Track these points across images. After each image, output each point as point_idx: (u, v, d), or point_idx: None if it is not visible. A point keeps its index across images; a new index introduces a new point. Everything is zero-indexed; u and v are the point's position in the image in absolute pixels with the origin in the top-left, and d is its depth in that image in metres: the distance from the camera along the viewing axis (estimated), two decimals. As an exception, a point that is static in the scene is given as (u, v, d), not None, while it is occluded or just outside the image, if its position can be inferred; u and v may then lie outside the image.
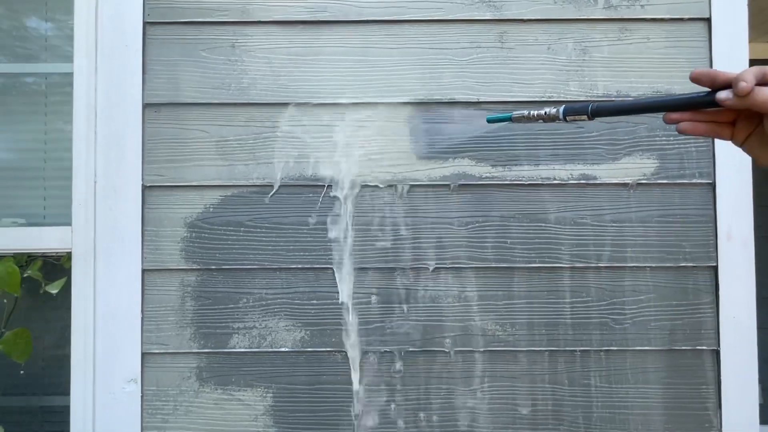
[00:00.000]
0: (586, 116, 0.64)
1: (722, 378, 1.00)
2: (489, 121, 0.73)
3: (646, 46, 1.03)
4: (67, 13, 1.03)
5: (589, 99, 1.03)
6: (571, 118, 0.65)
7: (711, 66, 1.03)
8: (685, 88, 1.02)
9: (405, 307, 1.02)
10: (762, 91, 0.52)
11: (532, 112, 0.69)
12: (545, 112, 0.68)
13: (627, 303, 1.02)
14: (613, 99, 1.03)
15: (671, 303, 1.02)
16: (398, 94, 1.03)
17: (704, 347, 1.01)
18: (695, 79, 0.56)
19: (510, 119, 0.70)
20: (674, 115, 0.57)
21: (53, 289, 1.00)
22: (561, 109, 0.65)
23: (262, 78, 1.03)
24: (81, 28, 1.02)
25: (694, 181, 1.02)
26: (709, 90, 0.56)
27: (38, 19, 1.11)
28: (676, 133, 1.02)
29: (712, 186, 1.02)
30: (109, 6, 1.02)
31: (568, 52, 1.03)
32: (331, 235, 1.02)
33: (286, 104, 1.03)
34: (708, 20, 1.03)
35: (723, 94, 0.53)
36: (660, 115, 0.60)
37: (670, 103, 0.58)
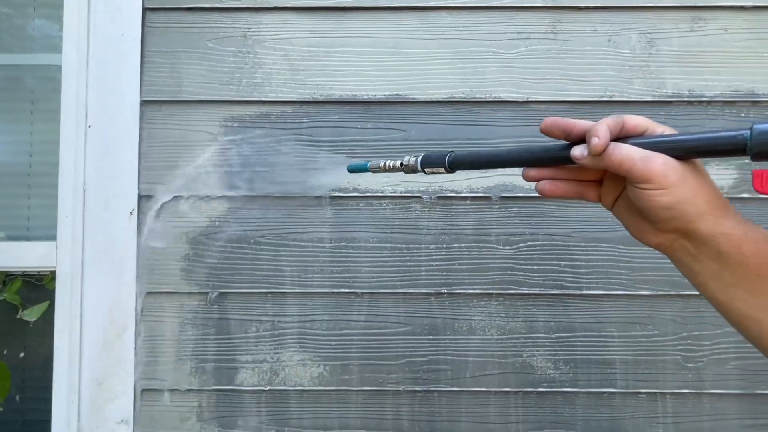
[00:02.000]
0: (443, 168, 0.52)
1: (815, 428, 0.85)
2: (349, 170, 0.61)
3: (723, 39, 0.89)
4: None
5: (701, 98, 0.88)
6: (429, 170, 0.53)
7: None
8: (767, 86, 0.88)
9: (441, 338, 0.87)
10: (618, 149, 0.40)
11: (388, 163, 0.56)
12: (401, 163, 0.55)
13: (702, 338, 0.87)
14: (686, 98, 0.88)
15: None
16: (435, 91, 0.89)
17: (793, 391, 0.86)
18: (546, 131, 0.45)
19: (367, 169, 0.58)
20: (532, 172, 0.47)
21: (31, 316, 0.86)
22: (419, 159, 0.53)
23: (278, 73, 0.90)
24: (71, 14, 0.89)
25: (780, 195, 0.87)
26: (567, 143, 0.44)
27: (24, 2, 0.98)
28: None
29: (802, 201, 0.87)
30: (104, -11, 0.89)
31: (632, 44, 0.89)
32: (352, 253, 0.88)
33: (305, 102, 0.90)
34: (796, 8, 0.88)
35: (577, 151, 0.43)
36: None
37: (526, 156, 0.47)
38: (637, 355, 0.87)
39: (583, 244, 0.87)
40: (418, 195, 0.89)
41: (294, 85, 0.90)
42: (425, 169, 0.54)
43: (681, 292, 0.87)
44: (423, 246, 0.88)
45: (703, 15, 0.89)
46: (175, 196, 0.89)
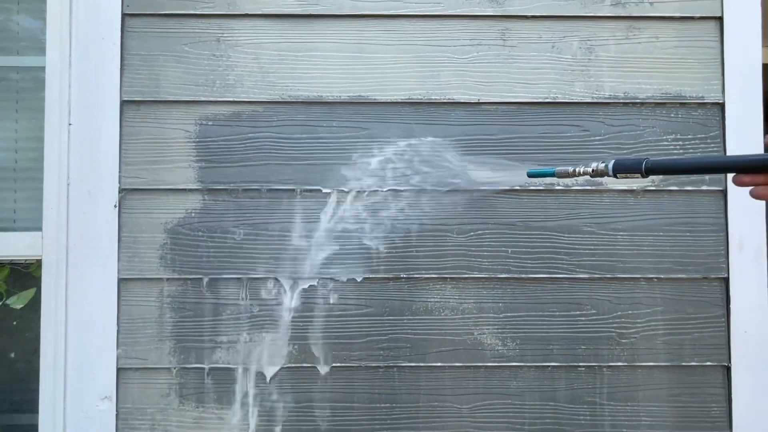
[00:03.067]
0: (639, 174, 0.56)
1: (733, 396, 0.95)
2: (530, 175, 0.67)
3: (654, 46, 0.98)
4: (40, 2, 0.96)
5: (639, 156, 0.97)
6: (622, 175, 0.58)
7: (723, 67, 0.98)
8: (695, 90, 0.98)
9: (400, 319, 0.96)
10: None
11: (577, 169, 0.62)
12: (592, 169, 0.61)
13: (634, 316, 0.96)
14: (621, 100, 0.97)
15: (680, 316, 0.97)
16: (395, 92, 0.97)
17: (714, 363, 0.96)
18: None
19: (553, 174, 0.64)
20: (745, 179, 0.52)
21: (18, 303, 0.93)
22: (610, 165, 0.58)
23: (249, 75, 0.97)
24: (54, 19, 0.95)
25: (704, 188, 0.97)
26: None
27: (8, 8, 1.04)
28: (684, 137, 0.97)
29: (724, 193, 0.97)
30: (85, -5, 0.95)
31: (574, 50, 0.98)
32: (319, 243, 0.96)
33: (275, 102, 0.97)
34: (720, 19, 0.98)
35: None
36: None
37: (735, 163, 0.53)
38: (577, 332, 0.96)
39: (527, 232, 0.96)
40: (379, 188, 0.97)
41: (264, 87, 0.97)
42: (617, 175, 0.58)
43: (616, 276, 0.96)
44: (385, 235, 0.96)
45: (637, 24, 0.98)
46: (153, 189, 0.96)
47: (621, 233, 0.97)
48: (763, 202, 0.97)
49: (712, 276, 0.97)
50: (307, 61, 0.97)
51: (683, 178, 0.97)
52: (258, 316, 0.96)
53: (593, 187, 0.97)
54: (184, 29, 0.97)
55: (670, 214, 0.97)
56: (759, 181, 0.51)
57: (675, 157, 0.54)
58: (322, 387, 0.95)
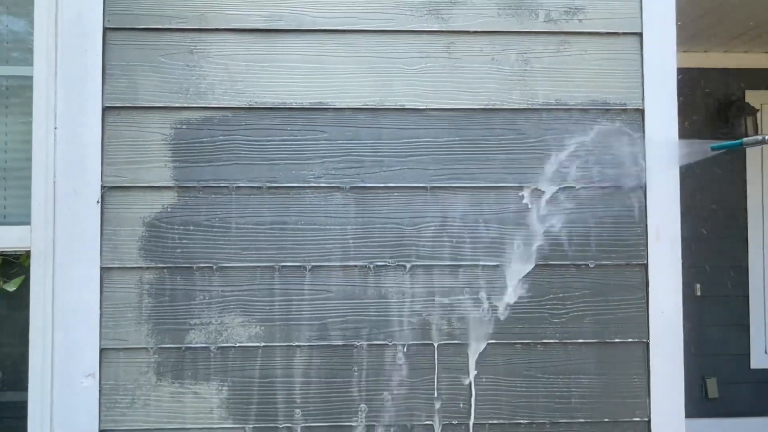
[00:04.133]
0: None
1: (651, 368, 1.08)
2: (713, 149, 0.70)
3: (583, 58, 1.10)
4: (29, 18, 1.06)
5: (565, 107, 1.09)
6: None
7: (643, 78, 1.10)
8: (618, 97, 1.10)
9: (357, 302, 1.07)
10: None
11: (766, 137, 0.66)
12: None
13: (564, 299, 1.08)
14: (553, 107, 1.09)
15: (605, 299, 1.09)
16: (352, 99, 1.08)
17: (635, 339, 1.09)
18: None
19: (741, 145, 0.68)
20: None
21: (11, 287, 1.02)
22: None
23: (220, 83, 1.07)
24: (41, 33, 1.05)
25: (626, 184, 1.09)
26: None
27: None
28: (610, 138, 1.09)
29: (643, 189, 1.09)
30: (70, 11, 1.05)
31: (511, 62, 1.10)
32: (285, 234, 1.07)
33: (243, 108, 1.07)
34: (640, 35, 1.10)
35: None
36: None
37: None
38: (515, 313, 1.08)
39: (469, 224, 1.08)
40: (340, 186, 1.08)
41: (233, 94, 1.07)
42: None
43: (549, 262, 1.08)
44: (343, 227, 1.07)
45: (568, 39, 1.10)
46: (133, 187, 1.06)
47: (557, 224, 1.09)
48: (678, 199, 1.09)
49: (634, 263, 1.09)
50: (273, 71, 1.08)
51: (608, 176, 1.09)
52: (229, 300, 1.06)
53: (521, 185, 1.08)
54: (160, 42, 1.07)
55: (596, 208, 1.09)
56: None
57: None
58: (288, 363, 1.06)
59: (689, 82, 3.03)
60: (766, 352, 3.07)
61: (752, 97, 3.04)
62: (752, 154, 3.09)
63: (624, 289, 1.09)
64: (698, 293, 3.03)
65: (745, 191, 3.10)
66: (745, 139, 0.74)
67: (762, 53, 3.09)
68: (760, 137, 0.71)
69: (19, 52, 1.14)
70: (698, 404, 3.03)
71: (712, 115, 3.07)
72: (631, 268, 1.09)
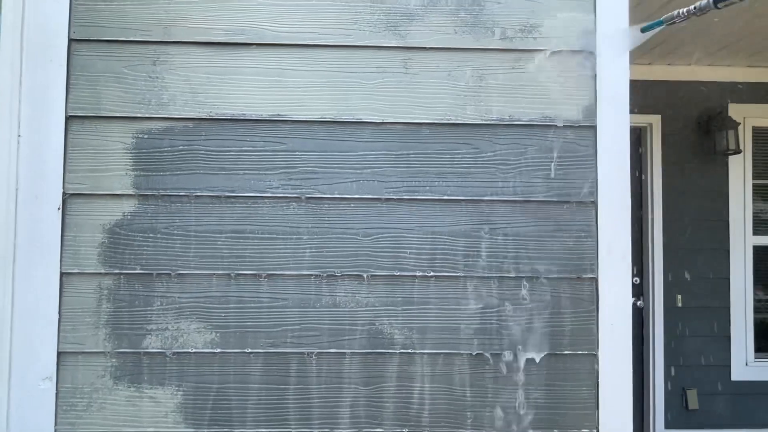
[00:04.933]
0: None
1: (600, 380, 1.10)
2: (643, 30, 0.72)
3: (537, 75, 1.13)
4: (-5, 28, 1.09)
5: (519, 122, 1.12)
6: (723, 3, 0.63)
7: (596, 96, 1.13)
8: (570, 115, 1.12)
9: (312, 310, 1.09)
10: None
11: (681, 11, 0.67)
12: (694, 8, 0.65)
13: (516, 311, 1.11)
14: (507, 122, 1.12)
15: (557, 311, 1.11)
16: (310, 112, 1.11)
17: (585, 352, 1.11)
18: None
19: (662, 23, 0.69)
20: None
21: (-31, 290, 1.05)
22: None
23: (182, 94, 1.10)
24: (7, 43, 1.08)
25: (578, 200, 1.12)
26: None
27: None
28: (561, 155, 1.12)
29: (595, 205, 1.12)
30: (36, 23, 1.08)
31: (467, 78, 1.12)
32: (242, 243, 1.09)
33: (203, 119, 1.10)
34: (593, 54, 1.13)
35: None
36: None
37: None
38: (470, 324, 1.10)
39: (422, 236, 1.10)
40: (297, 196, 1.10)
41: (194, 105, 1.10)
42: (718, 5, 0.61)
43: (503, 275, 1.10)
44: (300, 237, 1.10)
45: (523, 56, 1.13)
46: (93, 194, 1.08)
47: (509, 237, 1.11)
48: (628, 214, 1.12)
49: (585, 276, 1.11)
50: (233, 83, 1.11)
51: (559, 191, 1.11)
52: (185, 306, 1.08)
53: (480, 198, 1.11)
54: (124, 54, 1.10)
55: (548, 223, 1.11)
56: None
57: None
58: (243, 369, 1.08)
59: (672, 95, 3.07)
60: (746, 365, 3.08)
61: (735, 111, 3.07)
62: (734, 166, 3.12)
63: (575, 303, 1.11)
64: (679, 304, 3.05)
65: (727, 202, 3.13)
66: (664, 17, 0.75)
67: (746, 67, 3.12)
68: (675, 12, 0.72)
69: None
70: (678, 415, 3.04)
71: (694, 128, 3.10)
72: (581, 282, 1.11)
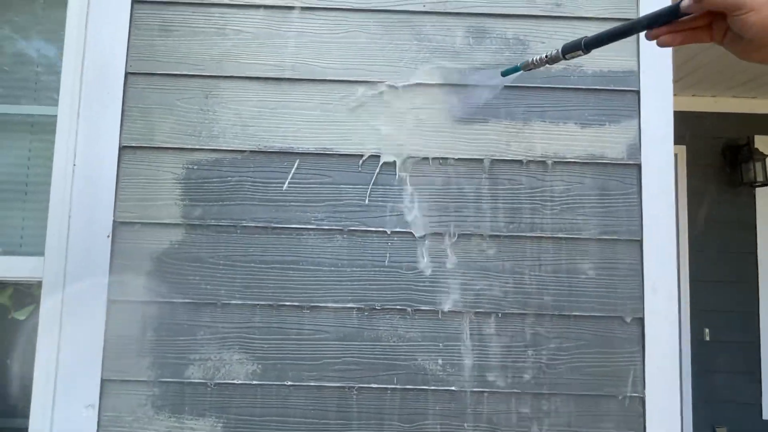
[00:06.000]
0: (581, 51, 0.69)
1: (647, 425, 1.07)
2: (504, 74, 0.79)
3: (582, 113, 1.14)
4: (56, 62, 1.13)
5: (563, 160, 1.13)
6: (570, 55, 0.71)
7: (640, 134, 1.13)
8: (615, 152, 1.13)
9: (353, 344, 1.09)
10: None
11: (534, 58, 0.76)
12: (546, 56, 0.74)
13: (560, 349, 1.09)
14: (551, 159, 1.13)
15: (601, 350, 1.09)
16: (353, 146, 1.13)
17: (631, 394, 1.08)
18: None
19: (519, 69, 0.76)
20: (654, 32, 0.63)
21: (21, 315, 1.06)
22: (559, 49, 0.72)
23: (232, 127, 1.13)
24: (68, 76, 1.12)
25: (623, 238, 1.11)
26: (678, 2, 0.61)
27: (29, 62, 1.21)
28: (605, 192, 1.11)
29: (640, 243, 1.11)
30: (95, 57, 1.12)
31: (512, 115, 1.14)
32: (286, 274, 1.10)
33: (252, 152, 1.12)
34: (637, 92, 1.13)
35: (685, 2, 0.59)
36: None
37: (647, 20, 0.63)
38: (511, 362, 1.09)
39: (466, 271, 1.10)
40: (341, 228, 1.11)
41: (244, 137, 1.12)
42: (566, 56, 0.70)
43: (545, 312, 1.09)
44: (342, 269, 1.10)
45: (565, 95, 1.14)
46: (143, 223, 1.10)
47: (554, 274, 1.10)
48: (674, 251, 1.11)
49: (630, 316, 1.10)
50: (282, 117, 1.13)
51: (604, 228, 1.11)
52: (228, 337, 1.09)
53: (522, 234, 1.11)
54: (177, 87, 1.13)
55: (593, 260, 1.11)
56: (663, 32, 0.63)
57: (604, 30, 0.67)
58: (284, 402, 1.07)
59: (697, 126, 3.06)
60: (778, 403, 2.99)
61: (762, 143, 3.05)
62: (762, 198, 3.08)
63: (620, 343, 1.09)
64: (707, 338, 2.98)
65: (755, 234, 3.08)
66: (521, 63, 0.81)
67: (771, 99, 3.12)
68: (530, 59, 0.78)
69: (46, 92, 1.21)
70: (708, 454, 2.94)
71: (719, 159, 3.08)
72: (626, 321, 1.10)
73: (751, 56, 0.59)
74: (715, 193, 3.06)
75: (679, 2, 0.60)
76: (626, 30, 0.66)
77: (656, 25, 0.62)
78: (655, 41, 0.63)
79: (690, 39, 0.62)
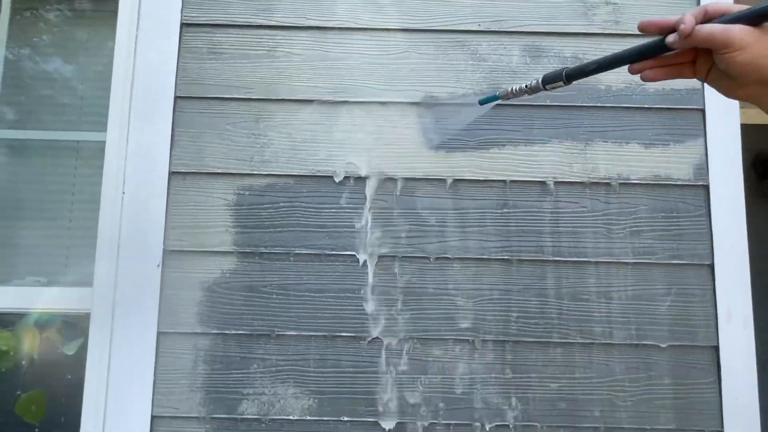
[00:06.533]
0: (562, 82, 0.66)
1: (726, 460, 1.01)
2: (481, 103, 0.77)
3: (647, 132, 1.10)
4: (105, 87, 1.11)
5: (627, 181, 1.08)
6: (550, 86, 0.67)
7: (707, 153, 1.09)
8: (681, 173, 1.08)
9: (412, 377, 1.04)
10: (702, 28, 0.54)
11: (514, 87, 0.72)
12: (526, 86, 0.71)
13: (629, 380, 1.03)
14: (615, 180, 1.08)
15: (674, 382, 1.04)
16: (411, 171, 1.09)
17: (707, 429, 1.02)
18: (643, 29, 0.58)
19: (497, 98, 0.75)
20: (637, 66, 0.61)
21: (70, 350, 1.02)
22: (540, 79, 0.68)
23: (284, 151, 1.10)
24: (117, 102, 1.09)
25: (693, 262, 1.06)
26: (662, 36, 0.58)
27: (75, 91, 1.19)
28: (672, 215, 1.07)
29: (711, 267, 1.06)
30: (144, 81, 1.10)
31: (573, 136, 1.10)
32: (341, 303, 1.05)
33: (305, 177, 1.09)
34: (702, 111, 1.10)
35: (671, 38, 0.56)
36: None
37: (630, 54, 0.60)
38: (583, 393, 1.03)
39: (529, 298, 1.05)
40: (396, 255, 1.07)
41: (296, 162, 1.09)
42: (546, 86, 0.66)
43: (614, 342, 1.04)
44: (393, 297, 1.06)
45: (629, 114, 1.10)
46: (194, 251, 1.07)
47: (619, 302, 1.05)
48: (748, 275, 1.05)
49: (703, 344, 1.04)
50: (334, 141, 1.10)
51: (673, 252, 1.06)
52: (282, 370, 1.04)
53: (586, 259, 1.06)
54: (227, 111, 1.11)
55: (662, 286, 1.06)
56: (647, 66, 0.60)
57: (585, 62, 0.64)
58: (339, 439, 1.02)
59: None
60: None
61: (792, 155, 2.98)
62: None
63: (693, 373, 1.04)
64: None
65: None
66: (499, 92, 0.78)
67: (800, 110, 3.06)
68: (509, 89, 0.75)
69: (95, 118, 1.19)
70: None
71: (749, 171, 3.02)
72: (700, 350, 1.04)
73: (736, 94, 0.56)
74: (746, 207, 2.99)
75: (664, 37, 0.57)
76: (611, 62, 0.63)
77: (641, 59, 0.60)
78: (638, 75, 0.61)
79: (673, 74, 0.60)
